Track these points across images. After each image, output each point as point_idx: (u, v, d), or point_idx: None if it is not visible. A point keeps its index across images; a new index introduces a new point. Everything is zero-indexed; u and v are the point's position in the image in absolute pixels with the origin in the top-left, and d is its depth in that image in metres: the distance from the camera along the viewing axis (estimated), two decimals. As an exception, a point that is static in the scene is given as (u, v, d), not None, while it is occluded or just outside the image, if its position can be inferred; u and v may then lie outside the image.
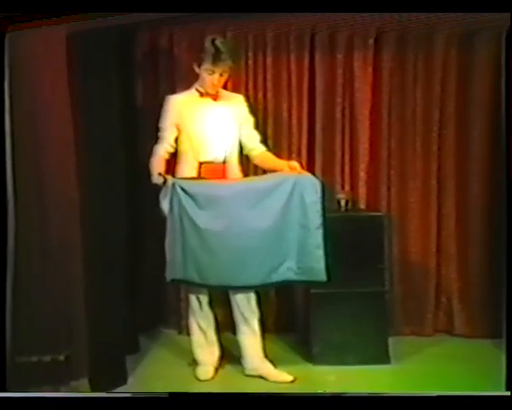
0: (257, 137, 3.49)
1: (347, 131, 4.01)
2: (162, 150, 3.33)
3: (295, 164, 3.25)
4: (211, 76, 3.26)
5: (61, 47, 3.06)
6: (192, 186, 3.19)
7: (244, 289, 3.31)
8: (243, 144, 3.45)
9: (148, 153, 3.40)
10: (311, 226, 3.13)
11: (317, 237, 3.12)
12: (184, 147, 3.35)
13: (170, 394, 2.77)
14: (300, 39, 3.93)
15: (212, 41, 3.22)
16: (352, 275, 3.51)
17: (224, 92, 3.44)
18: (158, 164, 3.27)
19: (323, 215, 3.13)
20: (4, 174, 2.91)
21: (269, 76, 3.99)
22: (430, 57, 3.92)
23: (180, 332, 4.11)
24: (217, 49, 3.19)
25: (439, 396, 2.59)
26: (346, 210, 3.79)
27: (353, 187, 4.00)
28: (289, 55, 3.96)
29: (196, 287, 3.36)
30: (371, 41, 3.89)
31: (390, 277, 3.86)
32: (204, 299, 3.47)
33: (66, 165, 3.12)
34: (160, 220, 3.30)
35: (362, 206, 3.98)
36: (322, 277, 3.14)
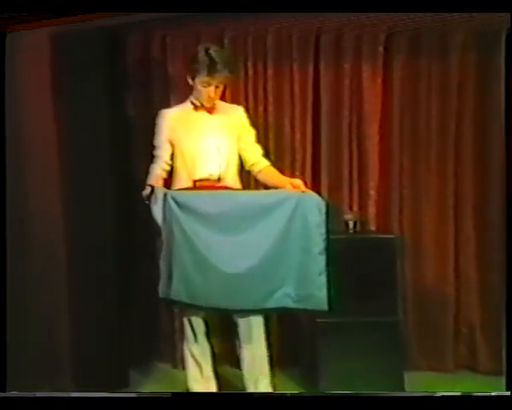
0: (258, 150, 3.33)
1: (355, 146, 3.85)
2: (158, 169, 3.21)
3: (298, 182, 3.10)
4: (206, 89, 3.13)
5: (47, 48, 3.16)
6: (185, 197, 3.05)
7: (235, 313, 3.16)
8: (244, 159, 3.30)
9: (139, 158, 3.35)
10: (313, 250, 2.96)
11: (320, 262, 2.95)
12: (178, 164, 3.22)
13: (173, 394, 2.85)
14: (304, 47, 3.77)
15: (206, 51, 3.08)
16: (361, 303, 3.37)
17: (221, 104, 3.28)
18: (153, 183, 3.13)
19: (327, 239, 2.95)
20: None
21: (270, 87, 3.84)
22: (445, 65, 3.72)
23: (174, 366, 3.93)
24: (211, 60, 3.05)
25: (439, 397, 2.63)
26: (355, 232, 3.65)
27: (362, 207, 3.83)
28: (292, 64, 3.79)
29: (184, 307, 3.21)
30: (381, 49, 3.73)
31: (404, 305, 3.66)
32: (199, 328, 3.26)
33: (49, 169, 3.17)
34: (152, 240, 3.28)
35: (372, 227, 3.83)
36: (324, 305, 2.97)
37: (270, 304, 3.00)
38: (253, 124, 3.39)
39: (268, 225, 2.98)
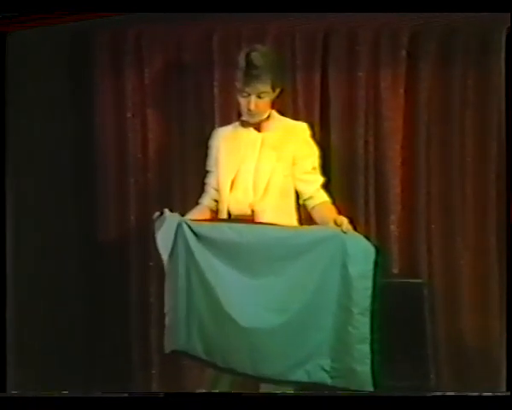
0: (316, 181, 2.95)
1: (372, 171, 3.56)
2: (206, 199, 3.00)
3: (343, 219, 2.68)
4: (245, 99, 2.81)
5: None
6: (203, 228, 2.80)
7: (257, 380, 2.82)
8: (298, 191, 2.95)
9: (105, 171, 3.44)
10: (353, 309, 2.60)
11: (362, 325, 2.60)
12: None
13: (165, 394, 2.92)
14: (309, 52, 3.50)
15: (247, 53, 2.78)
16: (382, 365, 2.87)
17: (278, 119, 2.95)
18: (197, 215, 2.91)
19: (374, 295, 2.58)
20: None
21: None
22: (484, 72, 3.42)
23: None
24: (248, 64, 2.75)
25: (439, 396, 2.74)
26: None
27: (381, 245, 3.35)
28: (295, 72, 3.51)
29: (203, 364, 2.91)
30: (403, 53, 3.44)
31: (436, 367, 3.38)
32: None
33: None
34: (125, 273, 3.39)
35: (394, 270, 3.53)
36: (367, 385, 2.59)
37: (301, 376, 2.66)
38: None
39: (299, 272, 2.66)
